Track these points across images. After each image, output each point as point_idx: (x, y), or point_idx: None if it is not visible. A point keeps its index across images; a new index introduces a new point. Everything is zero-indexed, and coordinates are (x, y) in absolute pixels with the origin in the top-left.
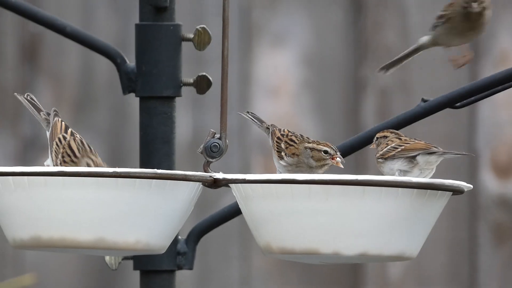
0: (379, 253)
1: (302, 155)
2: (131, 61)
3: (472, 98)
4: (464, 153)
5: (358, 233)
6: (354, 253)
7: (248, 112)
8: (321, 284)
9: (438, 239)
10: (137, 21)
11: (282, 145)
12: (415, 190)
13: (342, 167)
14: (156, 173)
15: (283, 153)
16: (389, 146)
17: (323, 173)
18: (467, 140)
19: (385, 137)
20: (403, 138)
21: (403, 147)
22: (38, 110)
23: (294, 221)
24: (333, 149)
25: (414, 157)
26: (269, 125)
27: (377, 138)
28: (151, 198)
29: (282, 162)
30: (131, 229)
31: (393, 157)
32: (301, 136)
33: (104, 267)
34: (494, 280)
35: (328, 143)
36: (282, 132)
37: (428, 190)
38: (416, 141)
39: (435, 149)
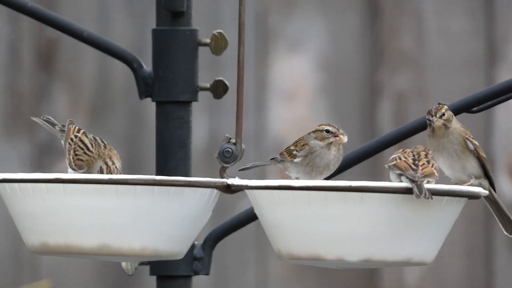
0: (384, 259)
1: (310, 141)
2: (147, 66)
3: (489, 102)
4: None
5: (360, 239)
6: (357, 259)
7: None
8: None
9: (455, 244)
10: (154, 26)
11: (292, 147)
12: None
13: (345, 141)
14: (155, 180)
15: (294, 152)
16: (394, 155)
17: (335, 153)
18: (483, 144)
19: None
20: (408, 151)
21: (394, 162)
22: (53, 125)
23: (297, 227)
24: (335, 127)
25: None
26: (271, 159)
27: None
28: (155, 204)
29: (296, 160)
30: (136, 235)
31: (389, 167)
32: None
33: (120, 272)
34: (510, 285)
35: (330, 123)
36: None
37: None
38: (409, 159)
39: (408, 173)
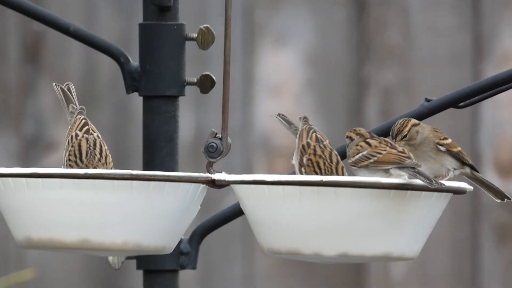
0: (361, 253)
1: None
2: (134, 61)
3: (476, 98)
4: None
5: (336, 234)
6: (334, 253)
7: (279, 114)
8: (324, 283)
9: (441, 239)
10: (140, 21)
11: (304, 160)
12: (392, 190)
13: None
14: (132, 175)
15: (303, 169)
16: (361, 154)
17: None
18: (469, 139)
19: (351, 138)
20: (372, 144)
21: (376, 158)
22: (69, 102)
23: (274, 222)
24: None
25: (387, 169)
26: (297, 127)
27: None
28: (134, 199)
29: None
30: (116, 230)
31: (366, 167)
32: (331, 152)
33: (107, 266)
34: (496, 280)
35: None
36: (308, 140)
37: (408, 191)
38: (388, 149)
39: (407, 162)
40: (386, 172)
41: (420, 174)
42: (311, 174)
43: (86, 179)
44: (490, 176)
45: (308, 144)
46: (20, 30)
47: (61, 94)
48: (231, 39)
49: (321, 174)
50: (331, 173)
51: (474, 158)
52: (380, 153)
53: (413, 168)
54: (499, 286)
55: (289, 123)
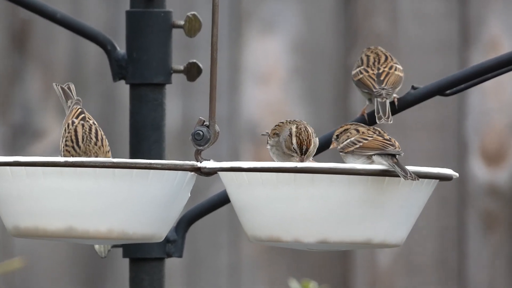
0: (341, 240)
1: (281, 137)
2: (121, 48)
3: (462, 85)
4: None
5: (314, 220)
6: (313, 240)
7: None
8: (311, 271)
9: (427, 227)
10: (127, 8)
11: (272, 129)
12: (370, 177)
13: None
14: (113, 163)
15: (268, 137)
16: (348, 140)
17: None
18: (456, 127)
19: (346, 130)
20: (361, 130)
21: (361, 143)
22: (68, 98)
23: (255, 209)
24: (302, 151)
25: (370, 155)
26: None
27: (337, 135)
28: (118, 187)
29: (268, 146)
30: (101, 218)
31: (352, 153)
32: (300, 121)
33: (93, 254)
34: (483, 268)
35: (303, 142)
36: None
37: (386, 178)
38: (375, 135)
39: (390, 149)
40: (369, 159)
41: (397, 165)
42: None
43: (68, 167)
44: (476, 164)
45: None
46: (6, 18)
47: (61, 92)
48: (218, 26)
49: (283, 124)
50: (295, 123)
51: (461, 146)
52: (366, 139)
53: (394, 156)
54: (486, 274)
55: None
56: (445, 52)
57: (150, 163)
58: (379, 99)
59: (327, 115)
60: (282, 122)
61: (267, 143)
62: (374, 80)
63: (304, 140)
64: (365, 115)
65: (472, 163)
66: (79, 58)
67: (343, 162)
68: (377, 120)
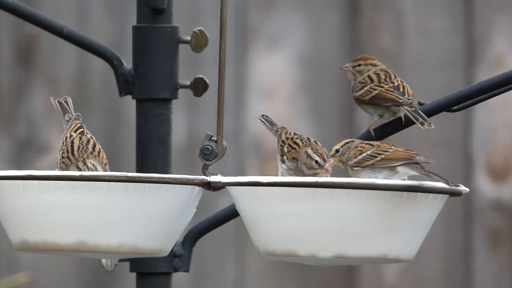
0: (357, 255)
1: (299, 162)
2: (127, 63)
3: (469, 101)
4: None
5: (331, 235)
6: (330, 255)
7: (262, 115)
8: (316, 285)
9: (434, 242)
10: (133, 23)
11: (285, 149)
12: (387, 192)
13: (328, 176)
14: (127, 177)
15: (284, 157)
16: (365, 154)
17: None
18: (462, 143)
19: (346, 143)
20: (374, 143)
21: (383, 155)
22: (65, 112)
23: (270, 223)
24: (324, 160)
25: (395, 166)
26: (278, 128)
27: (338, 150)
28: (130, 201)
29: (284, 166)
30: (112, 232)
31: (372, 166)
32: (308, 139)
33: (100, 268)
34: (489, 284)
35: (323, 154)
36: (287, 135)
37: (404, 192)
38: (394, 147)
39: (418, 159)
40: (392, 170)
41: (432, 173)
42: (292, 157)
43: (81, 181)
44: (482, 180)
45: (287, 137)
46: (12, 33)
47: (58, 106)
48: (226, 41)
49: (299, 147)
50: (309, 145)
51: (467, 162)
52: (386, 151)
53: (420, 164)
54: None
55: (272, 124)
56: (451, 68)
57: (164, 177)
58: (408, 108)
59: (332, 130)
60: (297, 145)
61: (283, 162)
62: (394, 92)
63: (324, 153)
64: (371, 131)
65: (478, 179)
66: (85, 73)
67: (349, 176)
68: (420, 127)
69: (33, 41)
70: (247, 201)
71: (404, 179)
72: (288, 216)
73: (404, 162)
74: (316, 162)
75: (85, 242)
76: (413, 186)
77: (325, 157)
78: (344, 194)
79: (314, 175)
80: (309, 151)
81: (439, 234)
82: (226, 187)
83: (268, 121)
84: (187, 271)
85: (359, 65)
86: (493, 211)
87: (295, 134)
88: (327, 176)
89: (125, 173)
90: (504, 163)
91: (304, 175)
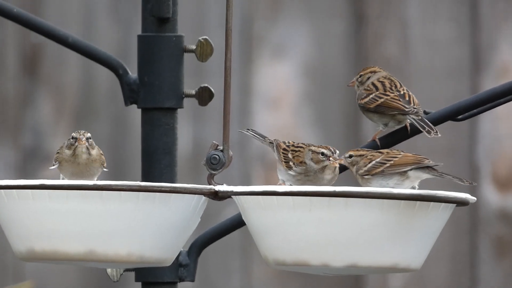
0: (370, 264)
1: (306, 160)
2: (133, 72)
3: (475, 110)
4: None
5: (345, 244)
6: (343, 264)
7: (248, 129)
8: None
9: (440, 251)
10: (138, 32)
11: (289, 155)
12: (402, 201)
13: (337, 165)
14: (140, 186)
15: (291, 163)
16: (374, 162)
17: (329, 178)
18: (467, 153)
19: (361, 155)
20: (383, 151)
21: (392, 161)
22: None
23: (282, 232)
24: (331, 151)
25: (405, 171)
26: (272, 140)
27: (352, 156)
28: (140, 210)
29: (291, 172)
30: (122, 241)
31: (382, 173)
32: (307, 144)
33: (104, 278)
34: None
35: (328, 146)
36: (287, 144)
37: (418, 202)
38: (402, 153)
39: (427, 162)
40: (403, 175)
41: (446, 174)
42: (299, 161)
43: (94, 190)
44: (488, 190)
45: (288, 145)
46: (18, 42)
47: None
48: (231, 50)
49: (302, 150)
50: (311, 145)
51: (473, 171)
52: (395, 157)
53: (432, 167)
54: None
55: (262, 136)
56: (456, 77)
57: (175, 187)
58: (414, 117)
59: (337, 139)
60: (301, 148)
61: (289, 168)
62: (400, 100)
63: (328, 147)
64: (377, 140)
65: (484, 188)
66: (90, 82)
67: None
68: (427, 135)
69: (38, 50)
70: (258, 211)
71: (415, 186)
72: (301, 225)
73: (413, 166)
74: (323, 154)
75: (94, 251)
76: (428, 196)
77: (331, 149)
78: (360, 203)
79: (324, 168)
80: (313, 148)
81: (445, 243)
82: (232, 196)
83: (258, 134)
84: (192, 280)
85: (360, 76)
86: (499, 220)
87: (293, 142)
88: (336, 166)
89: (138, 182)
90: (509, 172)
91: (315, 173)
